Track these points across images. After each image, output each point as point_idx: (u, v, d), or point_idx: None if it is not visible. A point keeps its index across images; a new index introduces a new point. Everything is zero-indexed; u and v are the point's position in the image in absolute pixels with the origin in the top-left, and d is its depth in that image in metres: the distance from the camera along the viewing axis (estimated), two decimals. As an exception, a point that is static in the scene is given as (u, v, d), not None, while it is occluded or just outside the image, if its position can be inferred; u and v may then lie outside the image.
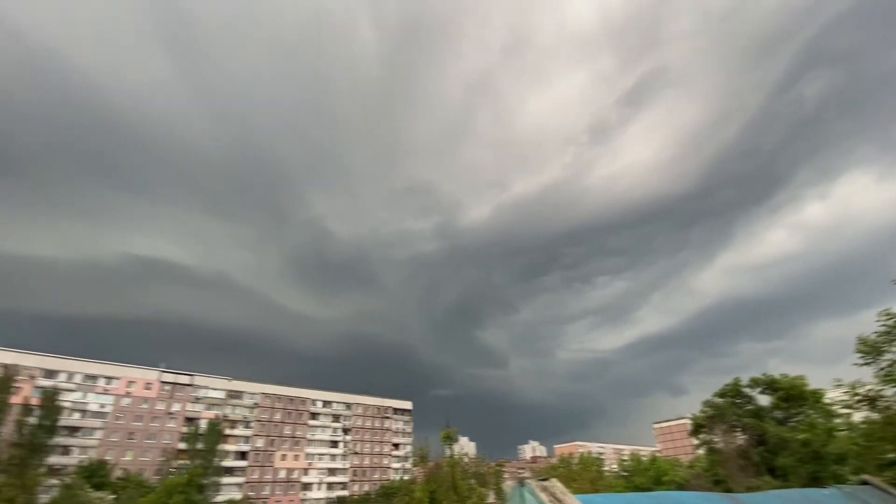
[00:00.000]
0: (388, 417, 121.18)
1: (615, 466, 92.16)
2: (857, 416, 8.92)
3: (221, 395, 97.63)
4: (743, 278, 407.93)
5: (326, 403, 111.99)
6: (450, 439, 35.35)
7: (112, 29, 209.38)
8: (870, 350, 8.05)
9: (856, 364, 8.33)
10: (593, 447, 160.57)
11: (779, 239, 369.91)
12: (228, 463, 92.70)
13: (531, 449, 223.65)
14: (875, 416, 8.13)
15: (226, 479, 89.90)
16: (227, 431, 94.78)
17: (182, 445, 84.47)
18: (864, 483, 6.94)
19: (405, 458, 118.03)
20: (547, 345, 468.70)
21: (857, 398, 8.17)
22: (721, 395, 39.53)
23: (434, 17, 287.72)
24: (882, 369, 7.80)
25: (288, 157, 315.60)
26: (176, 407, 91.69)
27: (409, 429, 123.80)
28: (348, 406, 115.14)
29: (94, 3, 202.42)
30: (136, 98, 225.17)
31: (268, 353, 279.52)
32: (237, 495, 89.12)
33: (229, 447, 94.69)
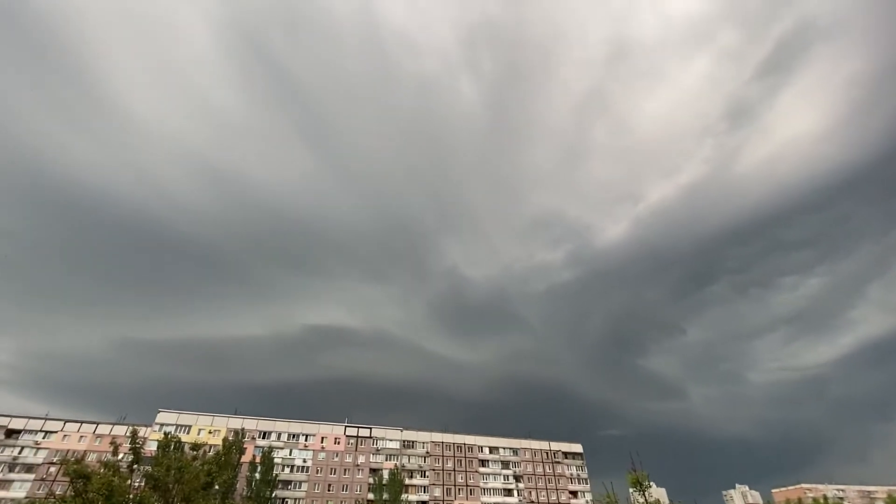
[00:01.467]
0: (558, 462, 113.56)
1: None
2: None
3: (396, 445, 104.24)
4: None
5: (493, 449, 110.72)
6: (640, 485, 31.21)
7: (265, 136, 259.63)
8: None
9: None
10: (829, 490, 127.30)
11: None
12: None
13: (740, 495, 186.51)
14: None
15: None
16: (407, 481, 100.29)
17: (370, 496, 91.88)
18: None
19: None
20: (733, 367, 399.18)
21: None
22: None
23: (530, 51, 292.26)
24: None
25: (421, 215, 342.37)
26: (361, 459, 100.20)
27: (583, 474, 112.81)
28: (515, 451, 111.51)
29: (235, 109, 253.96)
30: (291, 191, 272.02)
31: (429, 401, 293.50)
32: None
33: (411, 497, 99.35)
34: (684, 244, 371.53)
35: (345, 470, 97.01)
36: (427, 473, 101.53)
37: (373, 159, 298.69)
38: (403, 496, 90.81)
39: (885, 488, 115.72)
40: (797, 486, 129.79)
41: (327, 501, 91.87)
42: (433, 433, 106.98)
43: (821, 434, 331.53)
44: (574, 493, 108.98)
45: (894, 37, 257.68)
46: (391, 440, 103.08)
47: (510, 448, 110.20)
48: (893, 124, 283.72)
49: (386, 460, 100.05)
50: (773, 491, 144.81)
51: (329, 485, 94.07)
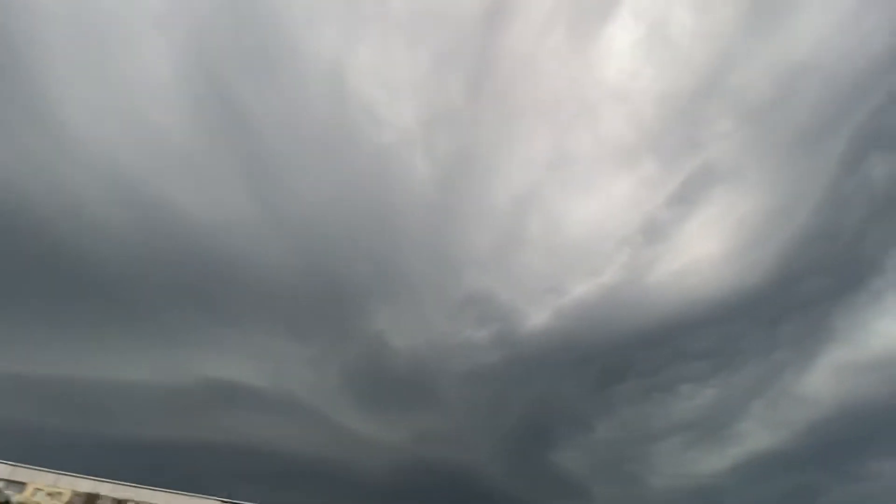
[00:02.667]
0: None
1: None
2: None
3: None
4: (861, 378, 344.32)
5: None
6: None
7: (206, 171, 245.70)
8: None
9: None
10: None
11: (893, 331, 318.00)
12: None
13: None
14: None
15: None
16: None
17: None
18: None
19: None
20: (635, 469, 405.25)
21: None
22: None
23: (480, 145, 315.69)
24: None
25: (354, 277, 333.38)
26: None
27: None
28: None
29: (178, 137, 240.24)
30: (222, 230, 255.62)
31: (329, 480, 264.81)
32: None
33: None
34: (600, 341, 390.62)
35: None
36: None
37: (315, 215, 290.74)
38: None
39: None
40: None
41: None
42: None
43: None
44: None
45: (775, 190, 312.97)
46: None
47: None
48: (777, 257, 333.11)
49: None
50: None
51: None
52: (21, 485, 68.26)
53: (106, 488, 79.39)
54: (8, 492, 44.63)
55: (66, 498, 57.74)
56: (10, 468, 71.10)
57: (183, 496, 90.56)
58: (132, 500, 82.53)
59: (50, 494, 65.43)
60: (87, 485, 73.32)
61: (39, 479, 70.73)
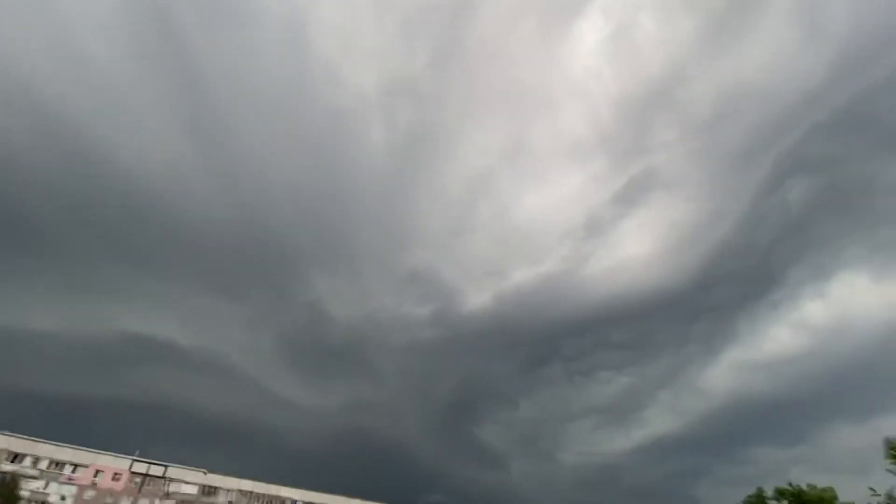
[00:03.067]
0: None
1: None
2: None
3: (194, 490, 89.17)
4: (753, 376, 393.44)
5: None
6: None
7: (135, 106, 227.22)
8: (902, 453, 7.53)
9: (888, 470, 7.68)
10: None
11: (785, 337, 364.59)
12: None
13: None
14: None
15: None
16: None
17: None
18: None
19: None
20: (549, 446, 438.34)
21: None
22: (745, 507, 36.35)
23: (439, 123, 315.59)
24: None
25: (297, 240, 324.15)
26: (143, 502, 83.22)
27: None
28: None
29: (118, 77, 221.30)
30: (156, 179, 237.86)
31: (256, 445, 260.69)
32: None
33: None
34: (532, 326, 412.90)
35: (117, 515, 79.17)
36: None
37: (261, 173, 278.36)
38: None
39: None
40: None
41: (79, 554, 73.11)
42: (242, 480, 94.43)
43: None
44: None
45: (706, 202, 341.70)
46: (189, 483, 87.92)
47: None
48: (698, 265, 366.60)
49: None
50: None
51: (89, 533, 75.53)
52: None
53: (1, 441, 73.34)
54: None
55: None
56: None
57: (87, 452, 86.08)
58: (30, 455, 77.19)
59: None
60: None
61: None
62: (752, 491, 36.38)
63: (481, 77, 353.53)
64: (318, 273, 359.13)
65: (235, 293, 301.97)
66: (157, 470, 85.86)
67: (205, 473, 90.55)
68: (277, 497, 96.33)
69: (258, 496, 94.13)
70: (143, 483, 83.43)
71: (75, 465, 78.40)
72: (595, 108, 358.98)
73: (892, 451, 7.73)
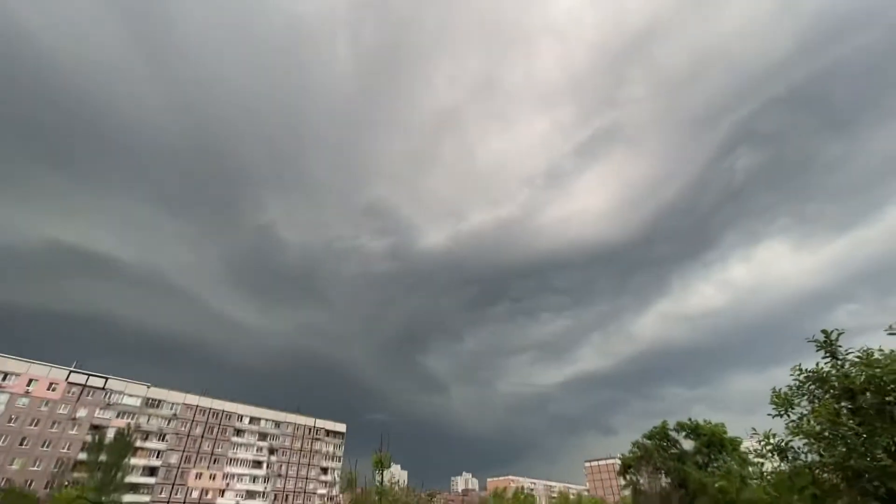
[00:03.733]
0: (319, 439, 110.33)
1: (545, 503, 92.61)
2: (769, 466, 9.61)
3: (137, 402, 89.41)
4: (676, 326, 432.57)
5: (254, 420, 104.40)
6: (381, 465, 33.55)
7: (75, 10, 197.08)
8: (781, 403, 8.63)
9: (770, 415, 8.88)
10: (526, 482, 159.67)
11: (710, 293, 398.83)
12: (135, 479, 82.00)
13: (464, 481, 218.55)
14: (784, 466, 8.64)
15: (130, 497, 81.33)
16: (139, 444, 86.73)
17: (82, 456, 76.26)
18: None
19: (332, 484, 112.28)
20: (488, 375, 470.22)
21: (769, 448, 8.70)
22: (649, 437, 40.92)
23: (411, 48, 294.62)
24: (792, 421, 8.35)
25: (250, 158, 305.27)
26: (82, 413, 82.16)
27: (340, 452, 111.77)
28: (277, 425, 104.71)
29: None
30: (97, 81, 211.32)
31: (198, 362, 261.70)
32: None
33: (139, 461, 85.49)
34: (484, 267, 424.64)
35: (53, 423, 78.48)
36: (167, 438, 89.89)
37: (212, 81, 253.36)
38: (130, 460, 78.07)
39: (562, 484, 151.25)
40: (506, 477, 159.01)
41: (13, 458, 72.80)
42: (188, 395, 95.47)
43: (534, 439, 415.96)
44: (325, 470, 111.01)
45: (662, 162, 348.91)
46: (131, 396, 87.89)
47: (274, 421, 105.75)
48: (643, 222, 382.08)
49: (118, 417, 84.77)
50: (489, 479, 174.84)
51: (24, 438, 74.86)
52: None
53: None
54: None
55: None
56: None
57: (19, 361, 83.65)
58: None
59: None
60: None
61: None
62: (658, 423, 40.98)
63: (459, 3, 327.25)
64: (272, 196, 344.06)
65: (182, 209, 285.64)
66: (96, 382, 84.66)
67: (148, 387, 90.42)
68: (223, 411, 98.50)
69: (203, 410, 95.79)
70: (81, 393, 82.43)
71: (5, 374, 75.82)
72: (571, 52, 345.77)
73: (775, 399, 8.88)
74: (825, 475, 8.34)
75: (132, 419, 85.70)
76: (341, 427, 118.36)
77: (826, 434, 8.09)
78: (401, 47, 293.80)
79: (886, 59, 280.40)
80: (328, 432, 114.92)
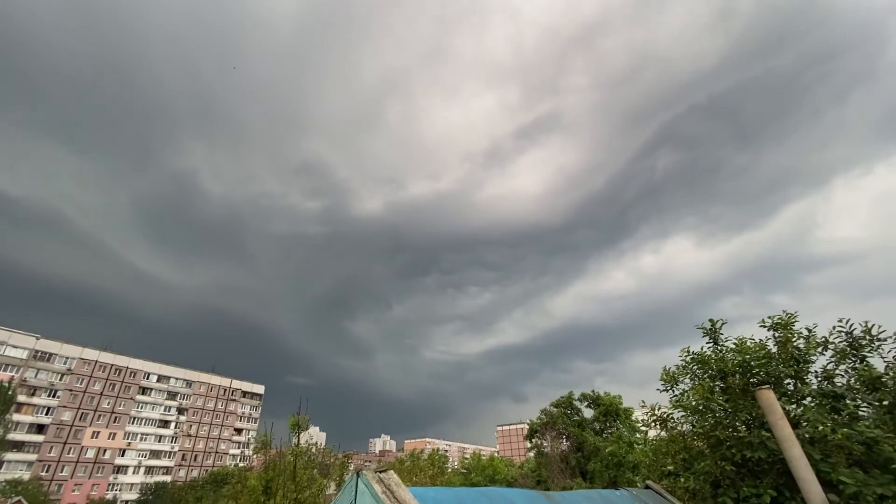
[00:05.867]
0: (234, 400, 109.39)
1: (457, 464, 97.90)
2: (652, 433, 11.01)
3: (24, 354, 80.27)
4: (588, 306, 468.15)
5: (163, 378, 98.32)
6: (298, 427, 33.13)
7: None
8: (669, 380, 9.82)
9: (658, 390, 10.07)
10: (441, 444, 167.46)
11: (620, 278, 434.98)
12: (20, 436, 76.80)
13: (382, 442, 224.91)
14: (664, 434, 9.94)
15: (12, 456, 73.91)
16: (24, 399, 78.37)
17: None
18: (647, 487, 8.56)
19: (246, 444, 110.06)
20: (414, 343, 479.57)
21: (653, 418, 9.91)
22: (556, 405, 44.32)
23: (361, 3, 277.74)
24: (675, 396, 9.57)
25: (172, 94, 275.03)
26: (-48, 363, 72.61)
27: (256, 414, 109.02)
28: (189, 384, 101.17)
29: None
30: None
31: (101, 315, 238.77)
32: (26, 475, 73.76)
33: (24, 418, 78.08)
34: (418, 238, 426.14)
35: (-85, 374, 68.45)
36: (60, 394, 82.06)
37: (131, 7, 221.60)
38: (13, 416, 70.29)
39: (475, 446, 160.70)
40: (422, 439, 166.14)
41: None
42: (86, 349, 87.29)
43: (451, 404, 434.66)
44: (239, 431, 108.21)
45: (593, 153, 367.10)
46: (16, 347, 78.69)
47: (185, 379, 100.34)
48: (570, 208, 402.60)
49: (1, 370, 75.86)
50: (406, 441, 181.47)
51: None
52: None
53: None
54: None
55: None
56: None
57: None
58: None
59: None
60: None
61: None
62: (565, 393, 44.54)
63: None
64: (194, 142, 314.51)
65: (87, 144, 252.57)
66: (-29, 330, 74.73)
67: (37, 338, 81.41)
68: (127, 368, 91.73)
69: (103, 366, 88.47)
70: (-48, 342, 72.38)
71: None
72: (522, 32, 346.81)
73: (664, 376, 10.05)
74: (694, 442, 9.49)
75: (17, 372, 77.06)
76: (259, 389, 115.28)
77: (700, 408, 9.13)
78: (351, 1, 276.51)
79: (792, 83, 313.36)
80: (245, 393, 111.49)
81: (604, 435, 38.58)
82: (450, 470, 69.84)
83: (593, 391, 41.90)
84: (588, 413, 41.64)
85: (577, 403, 42.72)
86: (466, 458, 73.89)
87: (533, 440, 44.66)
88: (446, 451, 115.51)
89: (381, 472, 3.75)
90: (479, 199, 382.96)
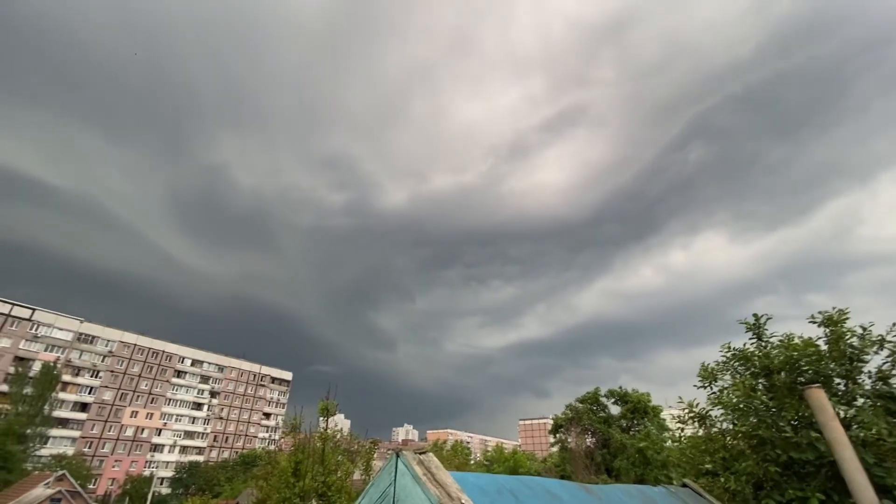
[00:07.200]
0: (263, 385, 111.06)
1: (479, 456, 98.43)
2: (688, 431, 10.68)
3: (69, 336, 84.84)
4: (614, 302, 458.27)
5: (196, 363, 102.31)
6: (327, 412, 33.77)
7: None
8: (707, 376, 9.48)
9: (695, 386, 9.72)
10: (463, 436, 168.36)
11: (648, 274, 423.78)
12: (65, 413, 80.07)
13: (405, 432, 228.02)
14: (701, 432, 9.62)
15: (57, 432, 78.66)
16: (69, 379, 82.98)
17: (4, 388, 72.16)
18: (684, 486, 8.30)
19: (275, 429, 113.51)
20: (436, 335, 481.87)
21: (691, 415, 9.61)
22: (582, 400, 43.78)
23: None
24: (714, 393, 9.24)
25: (204, 87, 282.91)
26: (5, 343, 77.45)
27: (284, 399, 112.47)
28: (221, 369, 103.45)
29: None
30: None
31: (138, 300, 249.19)
32: (70, 451, 78.54)
33: (68, 396, 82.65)
34: (442, 231, 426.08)
35: (-29, 352, 73.41)
36: (101, 374, 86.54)
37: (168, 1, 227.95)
38: (59, 394, 74.72)
39: (497, 439, 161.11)
40: (445, 430, 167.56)
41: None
42: (126, 333, 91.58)
43: (474, 396, 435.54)
44: (267, 415, 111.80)
45: (621, 147, 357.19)
46: (62, 329, 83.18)
47: (217, 364, 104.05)
48: (597, 203, 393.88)
49: (47, 351, 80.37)
50: (429, 431, 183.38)
51: (-63, 366, 69.64)
52: None
53: None
54: None
55: None
56: None
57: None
58: None
59: None
60: None
61: None
62: (590, 389, 43.89)
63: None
64: (227, 134, 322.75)
65: (124, 135, 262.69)
66: (22, 312, 79.30)
67: (81, 321, 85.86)
68: (163, 352, 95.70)
69: (141, 349, 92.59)
70: (4, 323, 77.05)
71: (-86, 297, 69.44)
72: (548, 23, 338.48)
73: (702, 372, 9.76)
74: (735, 441, 9.14)
75: (62, 353, 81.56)
76: (287, 375, 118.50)
77: (741, 406, 8.79)
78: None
79: (835, 72, 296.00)
80: (273, 379, 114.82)
81: (631, 432, 37.92)
82: (472, 462, 70.30)
83: (620, 388, 41.19)
84: (615, 410, 40.98)
85: (603, 400, 42.10)
86: (489, 451, 74.04)
87: (557, 435, 44.32)
88: (468, 442, 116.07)
89: (420, 453, 3.72)
90: (503, 192, 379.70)
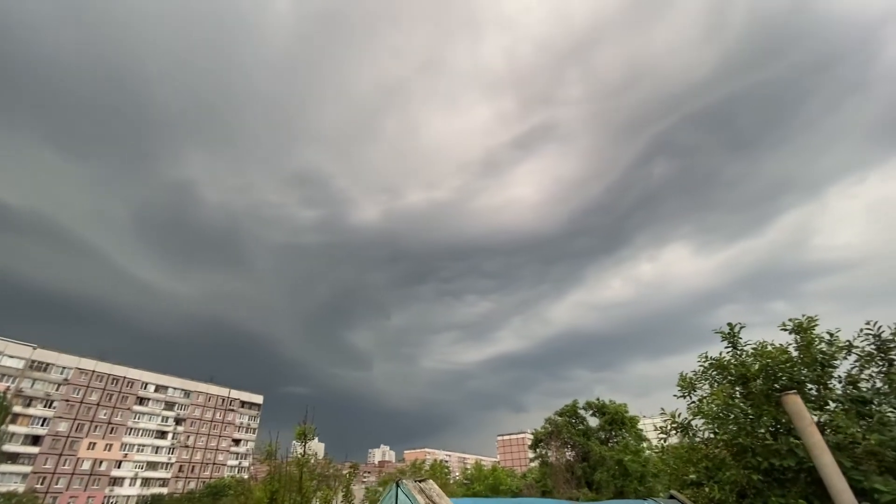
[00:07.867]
0: (232, 410, 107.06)
1: (458, 474, 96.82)
2: (673, 440, 10.82)
3: (20, 364, 79.49)
4: (587, 314, 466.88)
5: (160, 388, 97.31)
6: (305, 437, 32.37)
7: None
8: (686, 386, 9.66)
9: (675, 396, 9.87)
10: (441, 454, 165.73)
11: (618, 286, 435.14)
12: (15, 448, 75.53)
13: (381, 453, 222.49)
14: (685, 441, 9.74)
15: (6, 468, 72.69)
16: (20, 410, 77.43)
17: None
18: (671, 497, 8.33)
19: (245, 456, 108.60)
20: (412, 352, 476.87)
21: (673, 425, 9.73)
22: (561, 413, 43.86)
23: (358, 10, 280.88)
24: (693, 402, 9.41)
25: (171, 103, 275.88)
26: (-54, 373, 71.71)
27: (254, 424, 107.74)
28: (187, 394, 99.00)
29: None
30: None
31: (98, 324, 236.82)
32: (20, 487, 72.63)
33: (19, 429, 77.05)
34: (415, 246, 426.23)
35: None
36: (56, 404, 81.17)
37: (126, 16, 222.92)
38: (9, 427, 69.31)
39: (475, 456, 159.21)
40: (422, 450, 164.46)
41: None
42: (83, 359, 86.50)
43: (451, 413, 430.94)
44: (237, 442, 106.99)
45: (589, 163, 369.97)
46: (13, 357, 77.91)
47: (182, 389, 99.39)
48: (567, 217, 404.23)
49: (-5, 381, 74.98)
50: (406, 452, 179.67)
51: None
52: None
53: None
54: None
55: None
56: None
57: None
58: None
59: None
60: None
61: None
62: (567, 402, 44.06)
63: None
64: (193, 150, 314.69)
65: (84, 151, 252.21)
66: (-34, 340, 74.08)
67: (34, 348, 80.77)
68: (125, 378, 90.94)
69: (100, 376, 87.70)
70: (-54, 352, 71.66)
71: None
72: (516, 45, 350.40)
73: (681, 382, 9.93)
74: (716, 450, 9.28)
75: (13, 383, 76.29)
76: (258, 398, 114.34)
77: (721, 414, 8.94)
78: (348, 8, 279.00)
79: (785, 93, 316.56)
80: (243, 403, 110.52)
81: (609, 444, 38.12)
82: (452, 482, 68.99)
83: (598, 399, 41.50)
84: (593, 422, 41.17)
85: (581, 412, 42.26)
86: (467, 469, 73.03)
87: (537, 449, 44.10)
88: (447, 461, 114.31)
89: (420, 481, 3.59)
90: (477, 207, 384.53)
